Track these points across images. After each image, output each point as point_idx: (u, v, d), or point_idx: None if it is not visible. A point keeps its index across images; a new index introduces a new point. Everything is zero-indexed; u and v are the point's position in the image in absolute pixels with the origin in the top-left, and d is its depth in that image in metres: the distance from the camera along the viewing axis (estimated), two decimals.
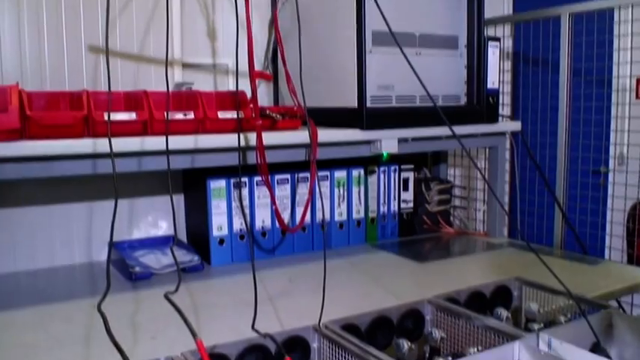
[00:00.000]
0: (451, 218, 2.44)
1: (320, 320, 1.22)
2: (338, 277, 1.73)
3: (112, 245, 1.95)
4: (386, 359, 1.06)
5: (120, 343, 0.62)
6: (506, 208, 2.33)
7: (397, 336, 1.26)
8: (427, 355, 1.27)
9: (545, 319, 1.41)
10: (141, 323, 1.41)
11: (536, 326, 1.31)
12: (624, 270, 2.01)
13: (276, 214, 1.87)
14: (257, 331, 1.04)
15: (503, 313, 1.35)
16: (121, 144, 1.46)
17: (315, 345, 1.21)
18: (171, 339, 1.27)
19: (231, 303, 1.54)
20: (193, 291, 1.65)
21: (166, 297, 0.64)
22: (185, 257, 1.86)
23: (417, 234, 2.29)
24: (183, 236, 2.11)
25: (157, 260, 1.86)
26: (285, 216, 1.97)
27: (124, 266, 1.80)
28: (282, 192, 1.96)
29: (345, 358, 1.13)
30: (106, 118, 1.44)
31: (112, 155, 1.26)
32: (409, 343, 1.20)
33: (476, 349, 1.15)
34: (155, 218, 2.10)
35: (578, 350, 1.10)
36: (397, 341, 1.21)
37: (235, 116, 1.61)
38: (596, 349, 1.18)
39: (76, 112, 1.46)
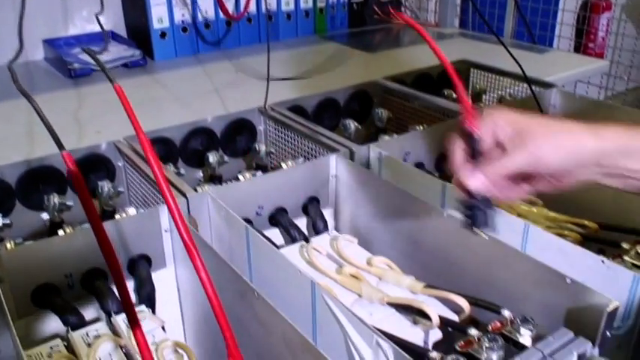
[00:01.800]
0: (402, 9, 2.36)
1: (265, 102, 1.20)
2: (285, 67, 1.69)
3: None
4: (333, 137, 1.06)
5: (62, 139, 0.57)
6: None
7: (344, 117, 1.26)
8: (373, 134, 1.28)
9: (493, 99, 1.42)
10: (85, 119, 1.36)
11: (482, 105, 1.33)
12: (571, 58, 2.02)
13: (218, 1, 1.76)
14: None
15: (451, 93, 1.35)
16: None
17: (261, 127, 1.21)
18: (116, 132, 1.23)
19: (178, 96, 1.50)
20: (137, 86, 1.60)
21: (84, 50, 0.59)
22: (126, 52, 1.77)
23: (367, 25, 2.22)
24: (122, 31, 2.00)
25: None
26: (229, 6, 1.86)
27: (61, 64, 1.71)
28: None
29: (292, 138, 1.13)
30: None
31: None
32: (356, 124, 1.20)
33: (421, 127, 1.16)
34: (90, 13, 1.96)
35: None
36: (344, 122, 1.21)
37: None
38: None
39: None
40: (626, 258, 0.78)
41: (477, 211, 0.67)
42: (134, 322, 0.39)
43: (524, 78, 1.20)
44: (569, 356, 0.60)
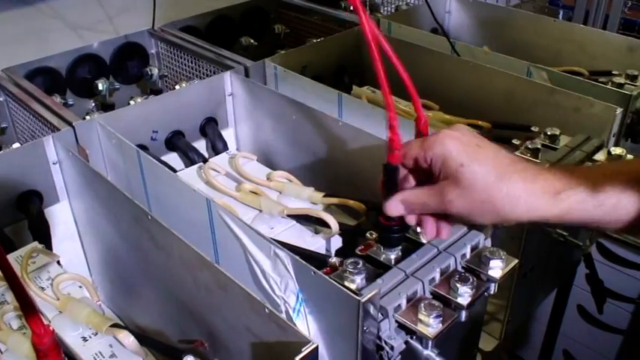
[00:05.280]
0: None
1: (153, 23, 1.13)
2: None
3: None
4: (227, 55, 1.02)
5: None
6: None
7: (240, 35, 1.21)
8: (272, 51, 1.24)
9: (391, 10, 1.41)
10: None
11: (378, 15, 1.31)
12: None
13: None
14: None
15: (348, 5, 1.32)
16: None
17: (152, 51, 1.15)
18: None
19: (66, 25, 1.39)
20: (20, 18, 1.47)
21: None
22: None
23: None
24: None
25: None
26: None
27: None
28: None
29: (185, 59, 1.09)
30: None
31: None
32: (252, 41, 1.17)
33: (320, 39, 1.13)
34: None
35: (416, 30, 1.12)
36: (240, 40, 1.17)
37: None
38: (434, 31, 1.21)
39: None
40: (517, 153, 0.80)
41: (388, 234, 0.59)
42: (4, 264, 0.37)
43: None
44: (463, 248, 0.62)
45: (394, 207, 0.56)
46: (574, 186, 0.50)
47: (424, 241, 0.63)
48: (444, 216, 0.56)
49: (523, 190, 0.50)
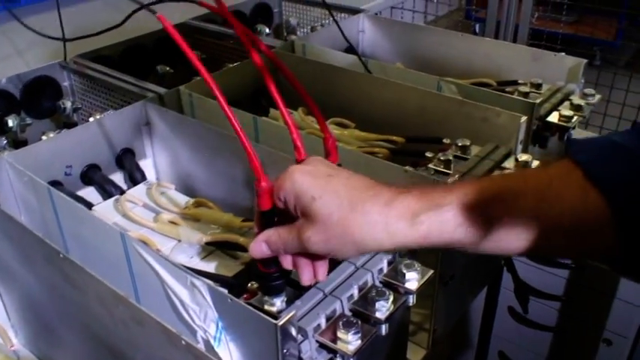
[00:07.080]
0: None
1: (65, 55, 1.11)
2: (87, 18, 1.57)
3: None
4: (142, 84, 1.02)
5: None
6: None
7: (156, 63, 1.20)
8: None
9: (307, 32, 1.43)
10: None
11: (293, 37, 1.33)
12: None
13: None
14: None
15: (264, 29, 1.34)
16: None
17: (65, 83, 1.13)
18: None
19: None
20: None
21: None
22: None
23: None
24: None
25: None
26: None
27: None
28: None
29: (101, 91, 1.07)
30: None
31: None
32: (168, 68, 1.16)
33: (236, 64, 1.14)
34: None
35: (331, 51, 1.14)
36: (156, 68, 1.16)
37: None
38: (348, 50, 1.23)
39: None
40: (430, 165, 0.82)
41: (266, 282, 0.57)
42: None
43: (325, 4, 1.20)
44: (380, 263, 0.63)
45: (257, 248, 0.54)
46: (433, 207, 0.47)
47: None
48: (314, 255, 0.53)
49: (379, 216, 0.48)
